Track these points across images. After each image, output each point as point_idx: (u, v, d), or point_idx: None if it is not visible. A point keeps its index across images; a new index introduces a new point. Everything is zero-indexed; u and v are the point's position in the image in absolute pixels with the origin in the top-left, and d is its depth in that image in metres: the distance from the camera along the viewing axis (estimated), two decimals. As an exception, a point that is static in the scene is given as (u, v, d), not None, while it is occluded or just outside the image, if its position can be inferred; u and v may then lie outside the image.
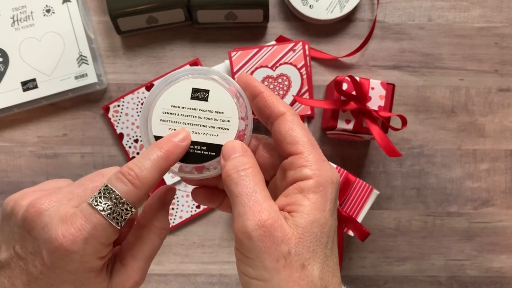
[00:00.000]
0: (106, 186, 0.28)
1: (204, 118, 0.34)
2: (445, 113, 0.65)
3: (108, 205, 0.28)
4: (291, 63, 0.63)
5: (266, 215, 0.26)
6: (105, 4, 0.60)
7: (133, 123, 0.64)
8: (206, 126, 0.34)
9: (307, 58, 0.64)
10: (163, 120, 0.33)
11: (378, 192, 0.57)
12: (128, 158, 0.64)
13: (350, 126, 0.58)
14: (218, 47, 0.65)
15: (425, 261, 0.66)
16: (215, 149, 0.33)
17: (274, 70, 0.63)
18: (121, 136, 0.64)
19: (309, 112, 0.64)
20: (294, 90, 0.63)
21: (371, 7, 0.66)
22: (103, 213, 0.27)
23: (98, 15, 0.65)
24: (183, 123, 0.33)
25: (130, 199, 0.28)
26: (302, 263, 0.26)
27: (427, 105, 0.65)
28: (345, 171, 0.57)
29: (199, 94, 0.34)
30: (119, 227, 0.28)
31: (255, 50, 0.63)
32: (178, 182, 0.64)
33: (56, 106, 0.64)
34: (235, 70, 0.63)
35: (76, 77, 0.62)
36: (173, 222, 0.64)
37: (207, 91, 0.34)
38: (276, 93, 0.63)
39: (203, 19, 0.62)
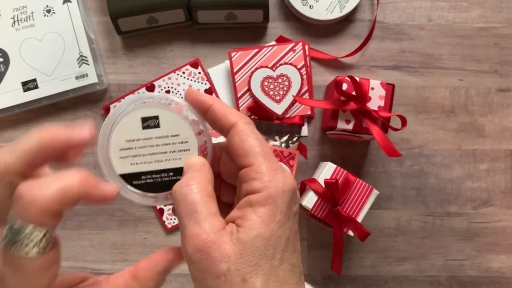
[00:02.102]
0: (9, 217, 0.26)
1: (162, 144, 0.34)
2: (445, 113, 0.66)
3: (7, 235, 0.26)
4: (291, 64, 0.63)
5: (204, 237, 0.27)
6: (106, 4, 0.60)
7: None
8: (166, 152, 0.34)
9: (307, 58, 0.64)
10: (122, 158, 0.33)
11: (378, 192, 0.57)
12: (128, 158, 0.64)
13: (350, 126, 0.58)
14: (218, 48, 0.65)
15: (424, 261, 0.66)
16: (182, 172, 0.33)
17: (274, 71, 0.63)
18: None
19: (309, 112, 0.65)
20: (294, 90, 0.63)
21: (371, 8, 0.66)
22: (5, 242, 0.26)
23: (98, 16, 0.65)
24: (143, 155, 0.34)
25: (26, 219, 0.25)
26: (243, 278, 0.27)
27: (426, 105, 0.65)
28: (345, 171, 0.57)
29: (149, 123, 0.34)
30: (27, 254, 0.26)
31: (255, 50, 0.63)
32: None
33: (56, 106, 0.64)
34: (235, 70, 0.63)
35: (77, 77, 0.62)
36: (174, 222, 0.64)
37: (156, 117, 0.33)
38: (276, 93, 0.63)
39: (203, 20, 0.62)
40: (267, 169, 0.29)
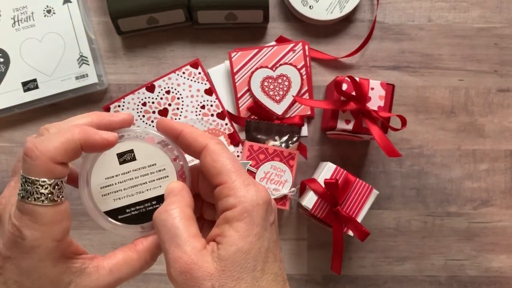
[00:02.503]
0: (21, 174, 0.29)
1: (140, 176, 0.35)
2: (445, 114, 0.66)
3: (22, 188, 0.29)
4: (291, 64, 0.63)
5: (186, 259, 0.29)
6: (106, 4, 0.60)
7: (133, 124, 0.64)
8: (146, 182, 0.35)
9: (307, 58, 0.64)
10: (104, 195, 0.35)
11: (377, 192, 0.58)
12: (128, 158, 0.64)
13: (350, 127, 0.58)
14: (218, 48, 0.65)
15: (424, 261, 0.66)
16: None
17: (274, 71, 0.63)
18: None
19: (309, 113, 0.65)
20: (294, 90, 0.63)
21: (370, 8, 0.66)
22: (20, 196, 0.29)
23: (98, 16, 0.65)
24: (124, 189, 0.35)
25: (30, 173, 0.28)
26: None
27: (426, 105, 0.66)
28: (345, 171, 0.57)
29: (125, 157, 0.35)
30: (40, 203, 0.29)
31: (255, 50, 0.63)
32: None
33: (56, 107, 0.64)
34: (235, 70, 0.63)
35: (77, 78, 0.62)
36: (174, 222, 0.65)
37: (131, 151, 0.35)
38: (276, 93, 0.63)
39: (203, 20, 0.62)
40: (240, 184, 0.30)
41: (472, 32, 0.66)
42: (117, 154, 0.35)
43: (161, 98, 0.64)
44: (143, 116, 0.64)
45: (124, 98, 0.64)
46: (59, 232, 0.30)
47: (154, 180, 0.35)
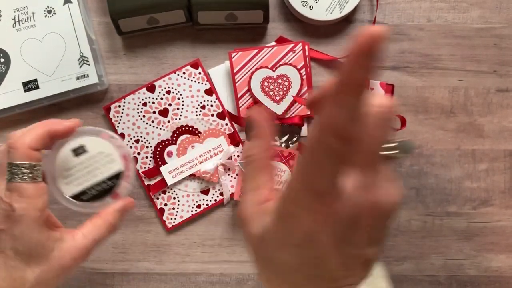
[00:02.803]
0: (7, 162, 0.40)
1: (93, 162, 0.46)
2: (444, 114, 0.66)
3: (8, 172, 0.40)
4: (291, 64, 0.64)
5: None
6: (106, 5, 0.60)
7: (134, 124, 0.64)
8: (99, 167, 0.46)
9: (307, 58, 0.64)
10: (67, 183, 0.45)
11: (377, 192, 0.58)
12: (129, 158, 0.64)
13: (349, 127, 0.58)
14: (219, 48, 0.65)
15: (424, 260, 0.66)
16: (116, 177, 0.46)
17: (274, 71, 0.63)
18: (122, 136, 0.64)
19: (309, 113, 0.65)
20: (294, 90, 0.64)
21: (370, 8, 0.66)
22: (8, 178, 0.40)
23: (99, 16, 0.65)
24: (82, 175, 0.46)
25: (14, 159, 0.40)
26: None
27: (426, 105, 0.66)
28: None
29: (79, 151, 0.46)
30: (24, 181, 0.40)
31: (255, 51, 0.64)
32: (179, 182, 0.64)
33: (57, 107, 0.65)
34: (235, 70, 0.64)
35: (77, 78, 0.62)
36: (174, 222, 0.65)
37: (83, 146, 0.46)
38: (276, 93, 0.64)
39: (204, 20, 0.62)
40: None
41: (472, 32, 0.66)
42: (72, 150, 0.45)
43: (162, 98, 0.64)
44: (144, 116, 0.64)
45: (124, 98, 0.64)
46: (41, 203, 0.41)
47: (105, 165, 0.46)
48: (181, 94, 0.64)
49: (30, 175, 0.40)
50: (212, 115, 0.65)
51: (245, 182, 0.29)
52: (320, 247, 0.24)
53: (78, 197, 0.46)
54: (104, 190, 0.46)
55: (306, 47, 0.64)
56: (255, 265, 0.29)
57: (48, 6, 0.62)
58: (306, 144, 0.22)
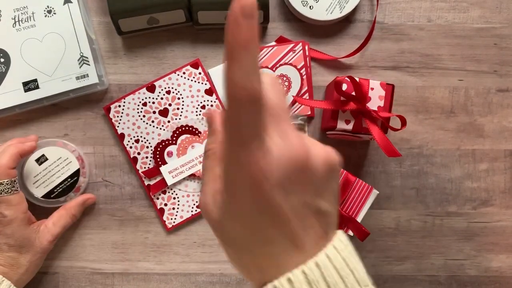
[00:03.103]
0: None
1: (55, 167, 0.60)
2: (444, 114, 0.66)
3: None
4: (291, 64, 0.64)
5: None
6: (106, 5, 0.60)
7: (134, 123, 0.64)
8: (60, 170, 0.60)
9: (307, 58, 0.64)
10: (37, 187, 0.60)
11: (377, 192, 0.58)
12: (129, 158, 0.64)
13: (349, 127, 0.58)
14: (219, 48, 0.65)
15: (424, 260, 0.66)
16: (74, 175, 0.61)
17: (274, 71, 0.63)
18: (122, 136, 0.64)
19: (309, 113, 0.65)
20: (294, 90, 0.64)
21: (370, 8, 0.66)
22: None
23: (99, 16, 0.65)
24: (48, 178, 0.60)
25: None
26: None
27: (426, 105, 0.66)
28: (345, 171, 0.57)
29: (41, 160, 0.60)
30: (9, 194, 0.54)
31: (255, 50, 0.63)
32: (179, 182, 0.64)
33: (57, 107, 0.65)
34: (235, 70, 0.64)
35: (77, 78, 0.62)
36: (174, 222, 0.65)
37: (43, 155, 0.60)
38: (276, 93, 0.64)
39: (204, 20, 0.62)
40: None
41: (472, 32, 0.66)
42: (35, 160, 0.59)
43: (162, 98, 0.64)
44: (144, 116, 0.64)
45: (124, 98, 0.64)
46: (24, 207, 0.56)
47: (64, 167, 0.60)
48: (181, 94, 0.64)
49: (13, 188, 0.55)
50: (212, 115, 0.65)
51: (204, 174, 0.29)
52: (266, 200, 0.24)
53: (47, 196, 0.60)
54: (67, 186, 0.61)
55: (306, 47, 0.64)
56: (225, 253, 0.29)
57: (48, 6, 0.62)
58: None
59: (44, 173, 0.59)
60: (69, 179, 0.60)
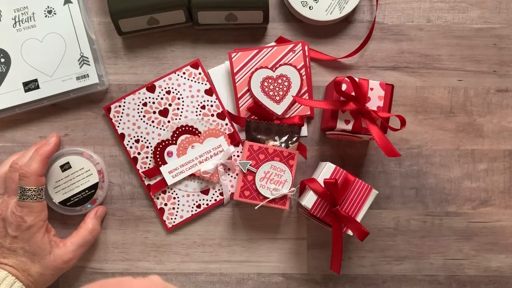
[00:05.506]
0: (19, 186, 0.55)
1: (76, 176, 0.61)
2: (444, 114, 0.66)
3: (21, 194, 0.55)
4: (290, 64, 0.64)
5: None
6: (106, 5, 0.60)
7: (134, 124, 0.64)
8: (80, 180, 0.61)
9: (307, 59, 0.64)
10: (57, 192, 0.61)
11: (377, 192, 0.58)
12: (129, 158, 0.64)
13: (349, 127, 0.58)
14: (219, 48, 0.65)
15: (424, 260, 0.66)
16: (92, 188, 0.62)
17: (274, 71, 0.64)
18: (122, 136, 0.64)
19: (308, 113, 0.65)
20: (293, 90, 0.64)
21: (370, 9, 0.66)
22: (21, 199, 0.55)
23: (99, 16, 0.65)
24: (68, 186, 0.61)
25: (28, 185, 0.55)
26: None
27: (425, 105, 0.66)
28: (344, 171, 0.58)
29: (65, 167, 0.61)
30: (34, 200, 0.55)
31: (255, 51, 0.64)
32: (179, 182, 0.65)
33: (57, 107, 0.65)
34: (235, 70, 0.64)
35: (78, 78, 0.62)
36: (174, 222, 0.65)
37: (68, 163, 0.61)
38: (276, 93, 0.64)
39: (204, 20, 0.62)
40: None
41: (471, 32, 0.66)
42: (60, 166, 0.61)
43: (162, 98, 0.64)
44: (144, 116, 0.64)
45: (124, 98, 0.64)
46: (44, 216, 0.57)
47: (84, 177, 0.61)
48: (181, 94, 0.64)
49: (38, 196, 0.56)
50: (212, 115, 0.65)
51: None
52: None
53: (64, 203, 0.61)
54: (84, 197, 0.61)
55: (306, 47, 0.64)
56: None
57: (48, 6, 0.62)
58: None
59: (65, 180, 0.61)
60: (86, 191, 0.61)
